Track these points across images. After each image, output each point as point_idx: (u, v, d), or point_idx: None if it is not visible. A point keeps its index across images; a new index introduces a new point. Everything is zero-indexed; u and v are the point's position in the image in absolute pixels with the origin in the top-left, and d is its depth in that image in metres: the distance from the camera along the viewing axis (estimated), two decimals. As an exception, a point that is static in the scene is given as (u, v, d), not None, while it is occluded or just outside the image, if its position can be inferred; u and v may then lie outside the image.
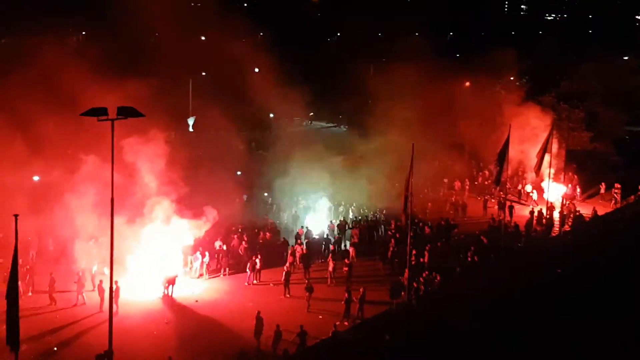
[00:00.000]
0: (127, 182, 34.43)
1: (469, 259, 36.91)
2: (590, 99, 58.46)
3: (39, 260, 36.32)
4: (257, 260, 36.36)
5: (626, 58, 64.44)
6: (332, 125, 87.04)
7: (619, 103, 59.80)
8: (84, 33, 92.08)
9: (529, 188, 52.38)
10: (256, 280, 36.25)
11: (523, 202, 51.34)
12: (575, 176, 54.97)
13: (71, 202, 34.89)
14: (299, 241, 40.18)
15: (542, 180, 49.02)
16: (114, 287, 26.36)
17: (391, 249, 38.88)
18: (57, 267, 34.80)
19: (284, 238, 41.27)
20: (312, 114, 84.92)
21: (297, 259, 38.01)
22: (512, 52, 67.90)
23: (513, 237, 41.84)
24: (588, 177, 55.69)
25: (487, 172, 57.32)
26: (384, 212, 46.69)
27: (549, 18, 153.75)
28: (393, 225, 43.16)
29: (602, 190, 53.46)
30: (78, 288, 32.55)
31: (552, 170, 45.32)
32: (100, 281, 31.54)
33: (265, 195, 50.29)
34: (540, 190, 50.94)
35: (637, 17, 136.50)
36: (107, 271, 28.63)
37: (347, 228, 44.04)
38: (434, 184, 54.40)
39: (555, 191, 49.46)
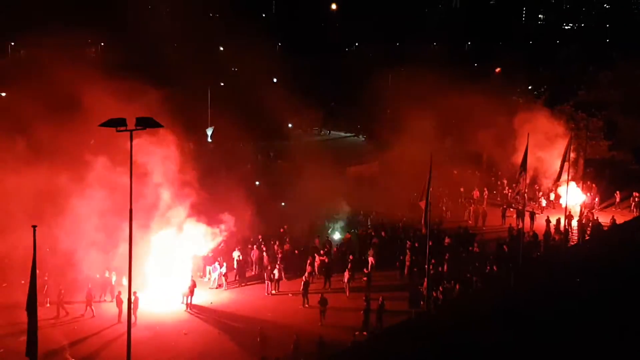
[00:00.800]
0: (142, 190, 34.29)
1: (488, 269, 36.72)
2: (608, 108, 58.08)
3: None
4: (276, 271, 36.38)
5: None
6: (350, 134, 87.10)
7: (638, 111, 59.36)
8: (102, 44, 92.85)
9: (552, 196, 52.10)
10: (275, 290, 36.23)
11: (539, 211, 50.86)
12: (594, 185, 54.62)
13: (86, 211, 34.96)
14: (321, 251, 40.04)
15: (558, 187, 48.72)
16: (133, 297, 26.38)
17: (410, 258, 38.73)
18: (73, 277, 34.93)
19: (302, 248, 41.11)
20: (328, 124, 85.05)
21: (316, 269, 37.94)
22: (530, 61, 67.60)
23: (532, 246, 41.60)
24: (607, 186, 55.30)
25: (505, 181, 57.03)
26: (403, 220, 46.48)
27: (566, 27, 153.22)
28: (412, 234, 43.02)
29: (617, 199, 53.19)
30: (87, 300, 32.64)
31: (570, 179, 44.92)
32: (119, 292, 31.63)
33: (283, 205, 50.22)
34: (558, 198, 50.79)
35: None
36: (125, 282, 28.73)
37: (365, 237, 43.88)
38: (452, 193, 54.18)
39: (574, 200, 49.23)
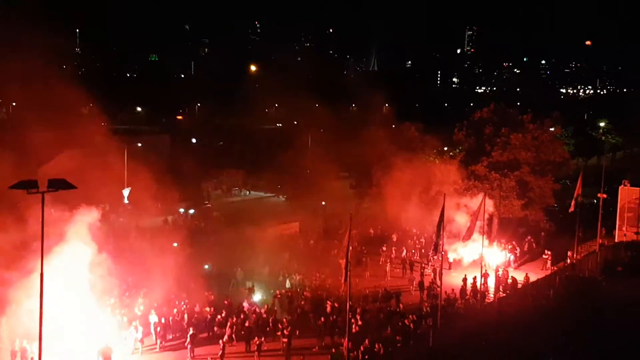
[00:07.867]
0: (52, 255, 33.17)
1: (411, 327, 36.91)
2: (520, 169, 59.88)
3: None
4: (193, 334, 35.61)
5: (552, 129, 66.31)
6: (271, 195, 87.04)
7: (546, 172, 61.50)
8: (14, 104, 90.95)
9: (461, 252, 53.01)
10: (192, 354, 35.38)
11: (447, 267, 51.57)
12: (505, 242, 55.92)
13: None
14: (243, 311, 39.41)
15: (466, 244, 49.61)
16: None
17: (331, 318, 38.55)
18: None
19: (224, 311, 40.05)
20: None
21: (235, 332, 37.27)
22: (445, 122, 69.38)
23: (449, 304, 42.09)
24: (521, 244, 56.92)
25: (423, 241, 57.77)
26: (327, 281, 46.22)
27: (479, 90, 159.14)
28: (333, 295, 42.91)
29: (517, 252, 55.12)
30: None
31: (484, 238, 45.83)
32: (31, 359, 30.31)
33: (206, 267, 49.23)
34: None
35: (561, 90, 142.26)
36: (34, 348, 27.61)
37: (286, 299, 43.47)
38: (371, 252, 54.66)
39: (489, 258, 50.53)
